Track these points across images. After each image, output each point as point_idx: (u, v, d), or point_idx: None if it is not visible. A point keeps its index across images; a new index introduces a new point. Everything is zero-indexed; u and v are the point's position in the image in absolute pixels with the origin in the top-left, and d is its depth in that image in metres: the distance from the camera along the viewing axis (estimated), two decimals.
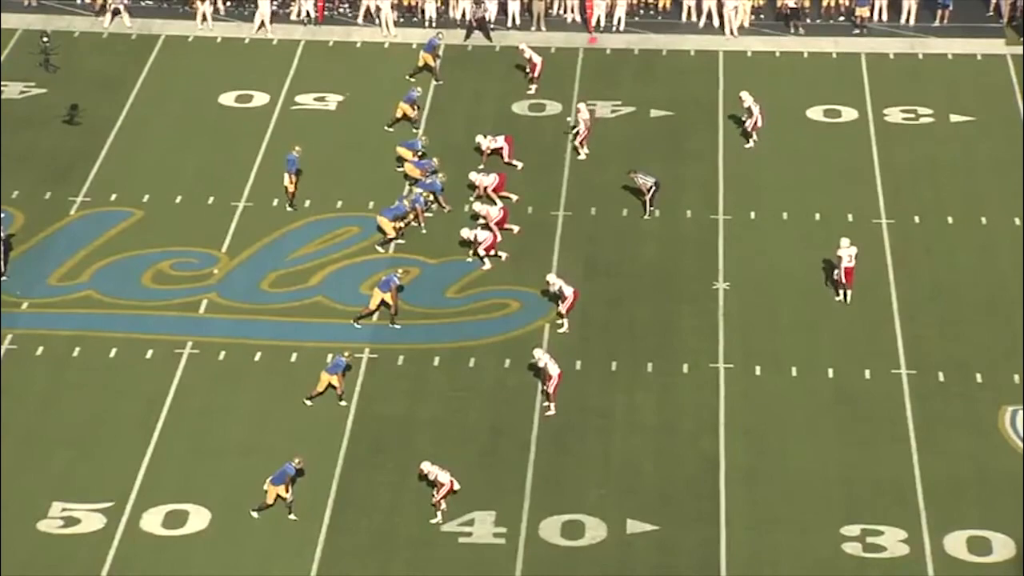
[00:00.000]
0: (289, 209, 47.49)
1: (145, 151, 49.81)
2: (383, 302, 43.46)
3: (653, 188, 47.10)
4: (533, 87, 53.31)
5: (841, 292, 44.06)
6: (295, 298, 44.81)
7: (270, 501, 37.48)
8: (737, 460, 39.49)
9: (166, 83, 54.18)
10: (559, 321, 43.33)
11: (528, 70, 53.52)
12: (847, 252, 43.75)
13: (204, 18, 56.58)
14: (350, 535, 37.61)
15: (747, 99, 50.24)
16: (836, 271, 44.12)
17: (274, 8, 56.89)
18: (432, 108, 52.64)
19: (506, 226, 46.38)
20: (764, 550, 37.12)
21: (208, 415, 40.96)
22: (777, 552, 37.06)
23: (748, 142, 50.35)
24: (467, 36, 56.44)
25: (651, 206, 47.22)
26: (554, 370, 40.44)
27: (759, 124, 50.18)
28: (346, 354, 41.06)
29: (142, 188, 48.51)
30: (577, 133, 49.82)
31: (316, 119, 51.75)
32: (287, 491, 37.48)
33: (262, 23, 56.56)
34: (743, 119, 50.64)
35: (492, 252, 45.57)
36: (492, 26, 56.75)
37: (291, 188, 47.51)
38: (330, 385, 40.67)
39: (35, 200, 48.28)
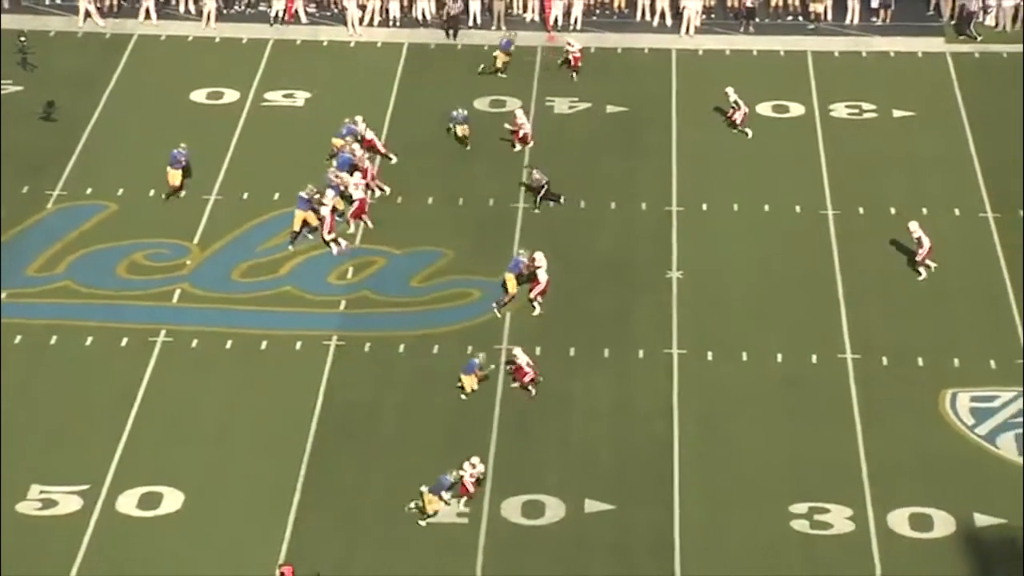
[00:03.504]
0: (164, 199, 47.39)
1: (119, 146, 49.66)
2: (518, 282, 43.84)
3: (545, 186, 47.01)
4: (573, 75, 53.78)
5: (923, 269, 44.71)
6: (265, 288, 44.75)
7: (430, 511, 37.09)
8: (690, 442, 39.60)
9: (139, 81, 54.01)
10: (532, 303, 43.45)
11: (572, 63, 53.74)
12: (918, 233, 44.46)
13: (148, 15, 56.50)
14: (319, 515, 37.60)
15: (732, 94, 50.39)
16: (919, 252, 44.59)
17: (219, 6, 56.92)
18: (396, 105, 52.60)
19: (362, 217, 46.57)
20: (716, 528, 37.25)
21: (181, 401, 40.90)
22: (728, 529, 37.20)
23: (746, 133, 50.46)
24: (447, 34, 56.31)
25: (541, 201, 47.12)
26: (523, 359, 40.64)
27: (747, 116, 50.42)
28: (481, 356, 40.61)
29: (116, 182, 48.38)
30: (513, 130, 49.84)
31: (285, 115, 51.69)
32: (441, 499, 37.09)
33: (208, 17, 56.67)
34: (728, 113, 50.68)
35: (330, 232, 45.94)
36: (429, 23, 56.68)
37: (176, 183, 47.36)
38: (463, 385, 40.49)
39: (13, 194, 48.11)
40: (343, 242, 45.77)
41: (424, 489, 37.05)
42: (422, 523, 37.07)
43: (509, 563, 36.40)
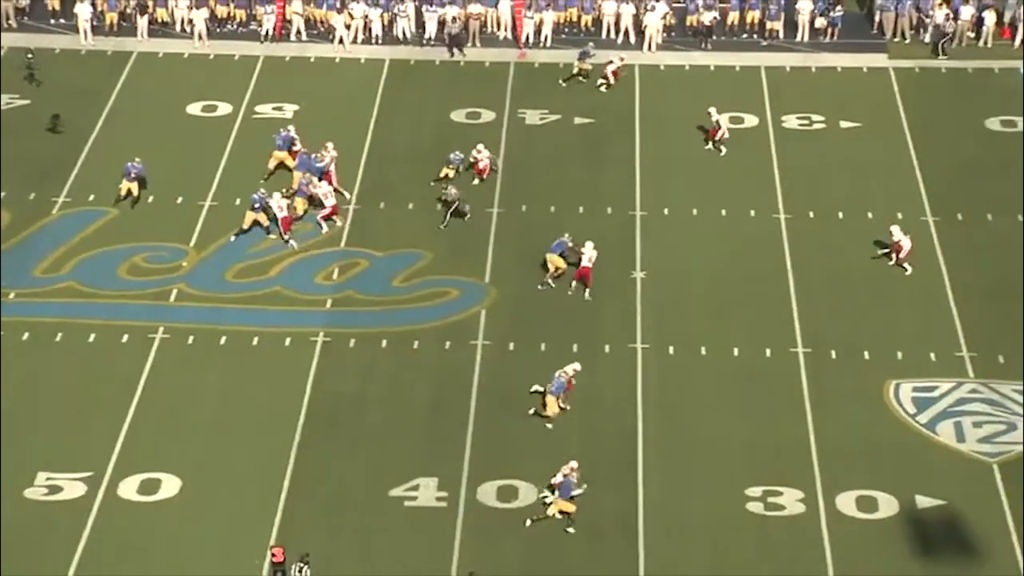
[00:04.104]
0: (113, 208, 47.20)
1: (120, 156, 49.33)
2: (556, 267, 44.15)
3: (456, 202, 46.48)
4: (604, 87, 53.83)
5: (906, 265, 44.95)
6: (256, 288, 44.60)
7: (552, 514, 36.67)
8: (653, 430, 39.57)
9: (139, 95, 53.78)
10: (577, 287, 43.94)
11: (612, 75, 53.85)
12: (898, 236, 44.78)
13: (141, 35, 56.49)
14: (307, 500, 37.49)
15: (714, 113, 50.12)
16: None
17: (210, 26, 56.73)
18: (378, 116, 52.49)
19: (333, 217, 46.60)
20: (677, 510, 37.23)
21: (178, 394, 40.74)
22: (688, 511, 37.17)
23: (720, 151, 49.98)
24: (450, 51, 56.11)
25: (451, 217, 46.46)
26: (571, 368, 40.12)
27: (726, 135, 50.02)
28: (567, 374, 39.71)
29: (117, 189, 48.14)
30: (473, 162, 48.72)
31: (274, 126, 51.43)
32: (572, 503, 36.74)
33: (199, 35, 56.48)
34: (710, 130, 50.23)
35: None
36: (432, 43, 56.64)
37: (134, 192, 47.19)
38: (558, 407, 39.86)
39: (21, 200, 47.89)
40: (293, 243, 45.83)
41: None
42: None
43: (485, 543, 36.33)
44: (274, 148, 48.68)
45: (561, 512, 36.59)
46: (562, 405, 39.36)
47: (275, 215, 45.89)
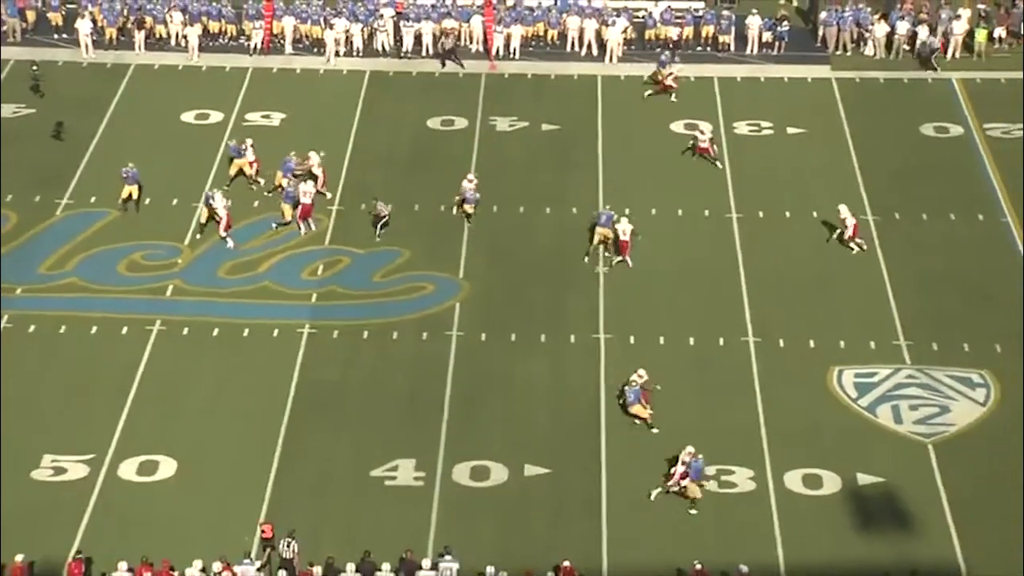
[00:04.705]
0: (113, 210, 46.88)
1: (119, 161, 49.06)
2: (604, 238, 44.83)
3: (385, 217, 46.00)
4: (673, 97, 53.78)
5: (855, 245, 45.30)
6: (246, 283, 44.43)
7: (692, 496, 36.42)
8: (615, 414, 39.56)
9: (136, 104, 53.53)
10: (620, 260, 44.65)
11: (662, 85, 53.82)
12: (845, 215, 45.23)
13: (139, 47, 56.14)
14: (294, 479, 37.42)
15: (707, 131, 49.81)
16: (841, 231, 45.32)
17: (201, 40, 56.43)
18: (359, 124, 52.31)
19: (308, 219, 46.28)
20: (637, 487, 37.23)
21: (174, 381, 40.60)
22: (648, 489, 37.16)
23: (716, 165, 49.37)
24: (443, 64, 55.87)
25: (382, 230, 46.00)
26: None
27: (711, 150, 49.52)
28: (637, 382, 38.88)
29: (117, 192, 47.82)
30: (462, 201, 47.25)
31: (262, 133, 51.28)
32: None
33: (193, 49, 56.18)
34: (696, 144, 49.68)
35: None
36: (409, 55, 56.49)
37: (134, 195, 46.89)
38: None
39: (27, 202, 47.62)
40: (231, 242, 45.64)
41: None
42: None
43: (459, 519, 36.31)
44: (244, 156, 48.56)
45: (690, 495, 36.31)
46: (645, 406, 38.83)
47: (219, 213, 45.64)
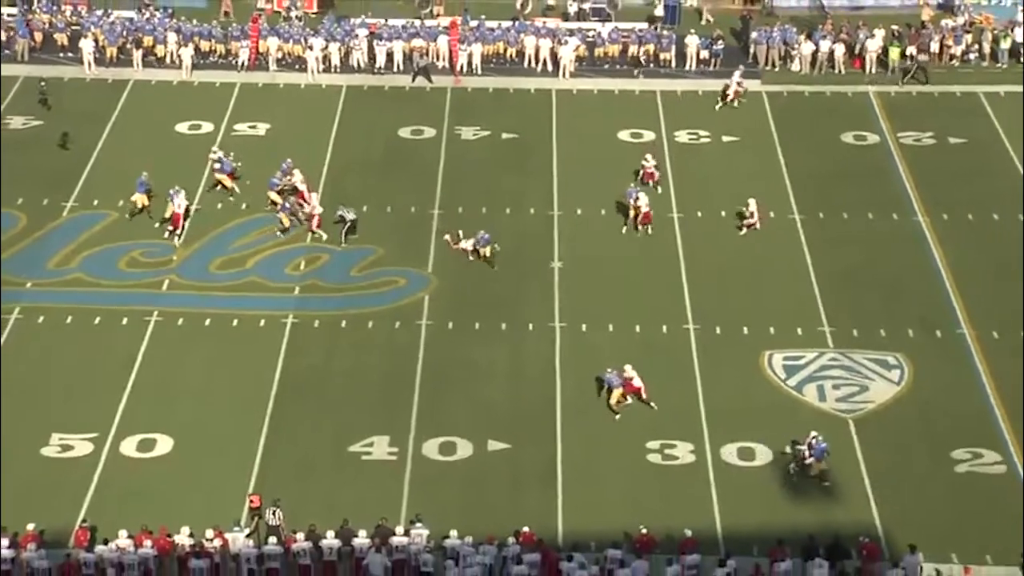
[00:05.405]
0: (128, 218, 46.50)
1: (120, 168, 48.96)
2: (636, 213, 45.68)
3: (351, 223, 45.49)
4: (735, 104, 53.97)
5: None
6: (235, 278, 44.35)
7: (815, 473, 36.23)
8: (569, 395, 39.66)
9: (135, 116, 53.30)
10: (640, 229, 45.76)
11: (732, 95, 53.83)
12: (753, 207, 46.00)
13: (137, 65, 55.85)
14: (279, 456, 37.40)
15: (649, 160, 48.70)
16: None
17: (195, 60, 56.20)
18: (337, 133, 52.25)
19: (319, 229, 45.96)
20: (589, 461, 37.36)
21: (170, 367, 40.51)
22: (599, 463, 37.31)
23: (657, 190, 48.13)
24: (413, 79, 55.76)
25: (347, 236, 45.48)
26: (638, 382, 39.13)
27: (655, 176, 48.52)
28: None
29: (118, 195, 47.73)
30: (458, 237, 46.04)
31: (250, 142, 51.20)
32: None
33: (187, 68, 55.96)
34: (644, 171, 48.69)
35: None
36: (382, 71, 56.42)
37: (146, 204, 46.61)
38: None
39: (36, 205, 47.40)
40: (177, 240, 45.49)
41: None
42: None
43: (429, 491, 36.35)
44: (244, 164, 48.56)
45: (813, 472, 36.27)
46: (621, 398, 38.64)
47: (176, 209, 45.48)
